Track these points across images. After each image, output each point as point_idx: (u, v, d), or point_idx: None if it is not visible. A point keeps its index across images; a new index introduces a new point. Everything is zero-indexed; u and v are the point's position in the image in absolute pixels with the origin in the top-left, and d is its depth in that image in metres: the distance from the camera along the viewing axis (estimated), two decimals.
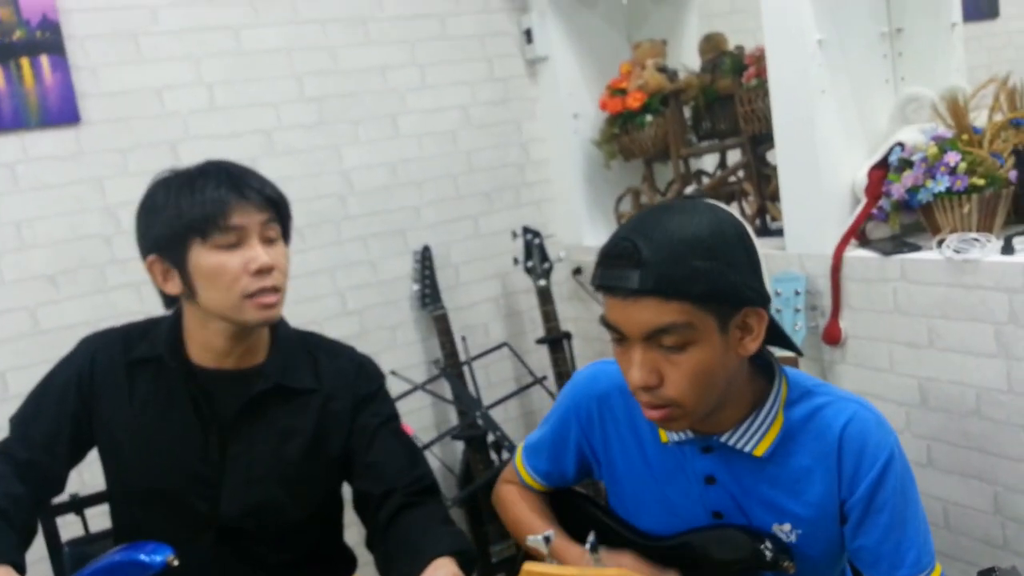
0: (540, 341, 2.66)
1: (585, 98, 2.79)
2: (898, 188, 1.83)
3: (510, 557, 2.49)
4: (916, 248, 1.86)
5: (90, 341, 1.43)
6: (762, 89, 2.13)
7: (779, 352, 1.21)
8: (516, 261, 2.68)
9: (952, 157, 1.74)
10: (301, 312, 2.32)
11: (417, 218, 2.69)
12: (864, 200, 1.93)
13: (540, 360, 2.77)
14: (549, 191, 2.94)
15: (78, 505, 1.61)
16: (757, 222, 2.34)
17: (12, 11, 2.08)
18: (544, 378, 2.66)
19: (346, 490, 1.48)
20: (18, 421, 1.39)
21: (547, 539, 1.10)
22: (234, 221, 1.28)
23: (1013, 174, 1.75)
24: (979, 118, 1.84)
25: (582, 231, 2.85)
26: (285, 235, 1.38)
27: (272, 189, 1.35)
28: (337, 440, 1.41)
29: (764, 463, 1.15)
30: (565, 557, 1.24)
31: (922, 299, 1.82)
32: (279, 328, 1.44)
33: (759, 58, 2.15)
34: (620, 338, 1.08)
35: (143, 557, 1.23)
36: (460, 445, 2.65)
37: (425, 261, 2.64)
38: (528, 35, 2.79)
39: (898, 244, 1.89)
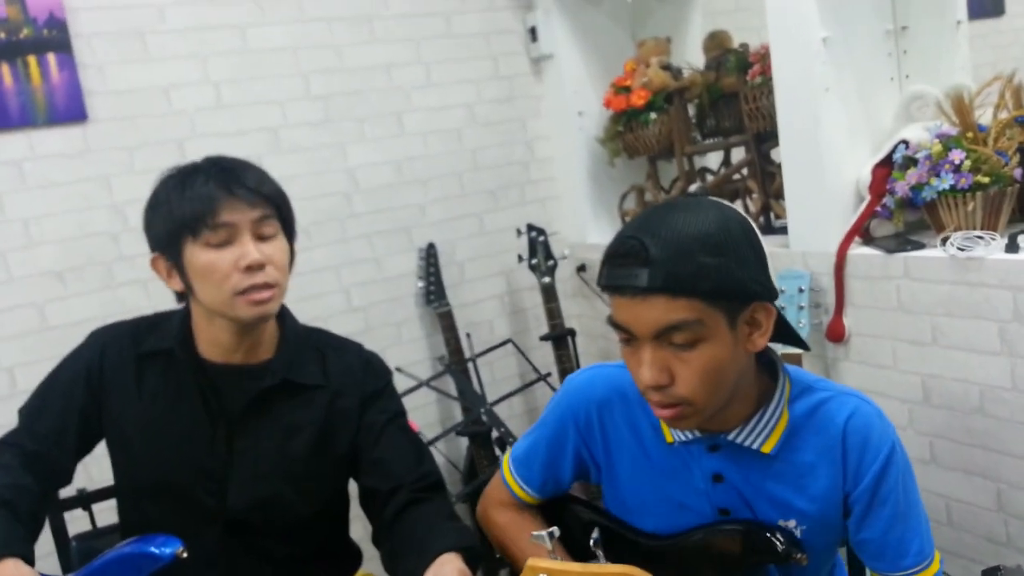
0: (544, 338, 2.67)
1: (590, 96, 2.79)
2: (902, 186, 1.83)
3: None
4: (920, 246, 1.86)
5: (99, 334, 1.43)
6: (766, 87, 2.14)
7: (780, 350, 1.22)
8: (520, 258, 2.68)
9: (957, 155, 1.74)
10: (306, 309, 2.32)
11: (422, 215, 2.70)
12: (868, 198, 1.93)
13: (544, 357, 2.77)
14: (553, 189, 2.94)
15: (86, 500, 1.62)
16: (761, 219, 2.34)
17: (19, 9, 2.09)
18: (548, 375, 2.66)
19: (352, 486, 1.48)
20: (26, 413, 1.39)
21: (551, 535, 1.10)
22: (223, 218, 1.27)
23: (1018, 172, 1.75)
24: (984, 116, 1.83)
25: (586, 229, 2.85)
26: (287, 231, 1.37)
27: (269, 185, 1.34)
28: (344, 437, 1.42)
29: (771, 460, 1.16)
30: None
31: (926, 297, 1.82)
32: (287, 324, 1.44)
33: (763, 56, 2.15)
34: (629, 338, 1.07)
35: (153, 549, 1.24)
36: (464, 441, 2.65)
37: (430, 258, 2.65)
38: (533, 33, 2.79)
39: (902, 242, 1.89)
